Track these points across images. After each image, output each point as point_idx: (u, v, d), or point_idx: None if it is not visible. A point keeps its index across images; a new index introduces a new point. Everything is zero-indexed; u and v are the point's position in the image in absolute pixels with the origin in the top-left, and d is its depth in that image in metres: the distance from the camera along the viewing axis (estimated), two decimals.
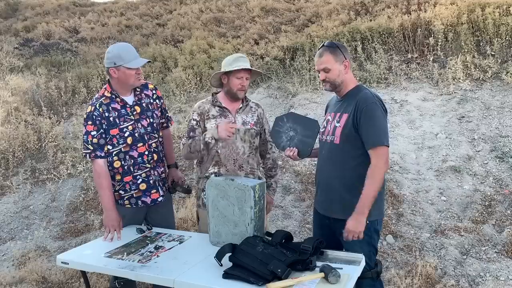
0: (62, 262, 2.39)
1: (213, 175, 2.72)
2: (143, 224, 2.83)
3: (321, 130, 2.49)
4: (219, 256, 2.11)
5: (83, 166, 5.40)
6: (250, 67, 2.71)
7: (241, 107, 2.80)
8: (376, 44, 6.65)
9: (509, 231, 3.68)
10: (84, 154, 2.62)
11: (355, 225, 2.21)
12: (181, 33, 10.24)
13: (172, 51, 8.74)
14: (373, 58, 6.52)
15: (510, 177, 4.34)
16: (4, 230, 4.65)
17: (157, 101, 2.82)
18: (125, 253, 2.37)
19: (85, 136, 2.58)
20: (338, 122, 2.35)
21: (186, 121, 6.19)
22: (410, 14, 7.18)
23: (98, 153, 2.59)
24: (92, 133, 2.56)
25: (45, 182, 5.36)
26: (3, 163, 5.78)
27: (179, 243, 2.51)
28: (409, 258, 3.55)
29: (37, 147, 6.07)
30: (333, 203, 2.38)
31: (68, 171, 5.43)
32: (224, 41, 8.84)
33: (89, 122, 2.57)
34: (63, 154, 5.77)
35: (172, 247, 2.45)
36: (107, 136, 2.60)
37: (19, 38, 11.99)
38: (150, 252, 2.39)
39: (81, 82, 7.95)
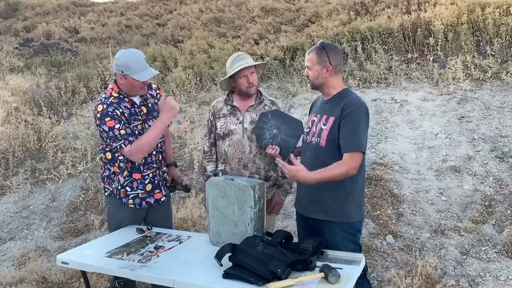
0: (62, 262, 2.39)
1: (220, 172, 2.78)
2: (142, 224, 2.83)
3: (306, 130, 2.49)
4: (219, 256, 2.11)
5: (83, 166, 5.39)
6: (248, 64, 2.68)
7: (252, 105, 2.78)
8: (376, 44, 6.65)
9: (509, 231, 3.68)
10: (117, 147, 2.51)
11: (299, 174, 2.21)
12: (181, 33, 10.24)
13: (172, 51, 8.74)
14: (373, 58, 6.52)
15: (510, 177, 4.34)
16: (4, 230, 4.65)
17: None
18: (125, 253, 2.37)
19: (110, 133, 2.49)
20: (324, 124, 2.35)
21: (186, 121, 6.19)
22: (410, 14, 7.18)
23: (131, 139, 2.52)
24: (116, 126, 2.49)
25: (45, 182, 5.36)
26: (3, 163, 5.78)
27: (179, 243, 2.51)
28: (409, 258, 3.55)
29: (37, 147, 6.07)
30: (313, 204, 2.39)
31: (68, 171, 5.43)
32: (224, 41, 8.84)
33: (107, 119, 2.49)
34: (63, 154, 5.77)
35: (172, 247, 2.45)
36: (128, 127, 2.55)
37: (19, 38, 11.99)
38: (150, 252, 2.39)
39: (81, 82, 7.94)
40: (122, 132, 2.49)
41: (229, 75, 2.73)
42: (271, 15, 9.99)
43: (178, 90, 7.15)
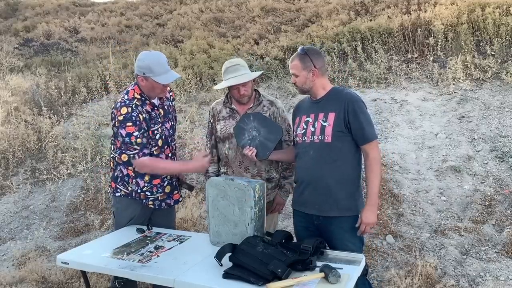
0: (62, 262, 2.39)
1: (222, 175, 2.79)
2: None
3: (300, 132, 2.48)
4: (219, 256, 2.11)
5: (83, 166, 5.39)
6: (234, 83, 2.65)
7: (251, 107, 2.79)
8: (376, 44, 6.65)
9: (509, 231, 3.68)
10: (130, 155, 2.52)
11: (371, 217, 2.32)
12: (181, 33, 10.24)
13: (172, 51, 8.74)
14: (373, 58, 6.52)
15: (510, 177, 4.34)
16: (4, 230, 4.65)
17: (173, 102, 2.87)
18: (125, 253, 2.37)
19: (127, 138, 2.48)
20: (325, 121, 2.38)
21: (186, 121, 6.19)
22: (410, 14, 7.18)
23: (146, 151, 2.53)
24: (135, 133, 2.49)
25: (45, 182, 5.36)
26: (3, 163, 5.78)
27: (179, 243, 2.51)
28: (409, 258, 3.55)
29: (37, 147, 6.07)
30: (326, 202, 2.40)
31: (68, 171, 5.43)
32: (224, 41, 8.85)
33: (129, 124, 2.48)
34: (63, 154, 5.77)
35: (172, 247, 2.45)
36: (147, 135, 2.55)
37: (19, 38, 12.01)
38: (150, 252, 2.39)
39: (81, 82, 7.94)
40: (139, 141, 2.49)
41: (219, 87, 2.78)
42: (271, 15, 9.99)
43: (178, 90, 7.15)
